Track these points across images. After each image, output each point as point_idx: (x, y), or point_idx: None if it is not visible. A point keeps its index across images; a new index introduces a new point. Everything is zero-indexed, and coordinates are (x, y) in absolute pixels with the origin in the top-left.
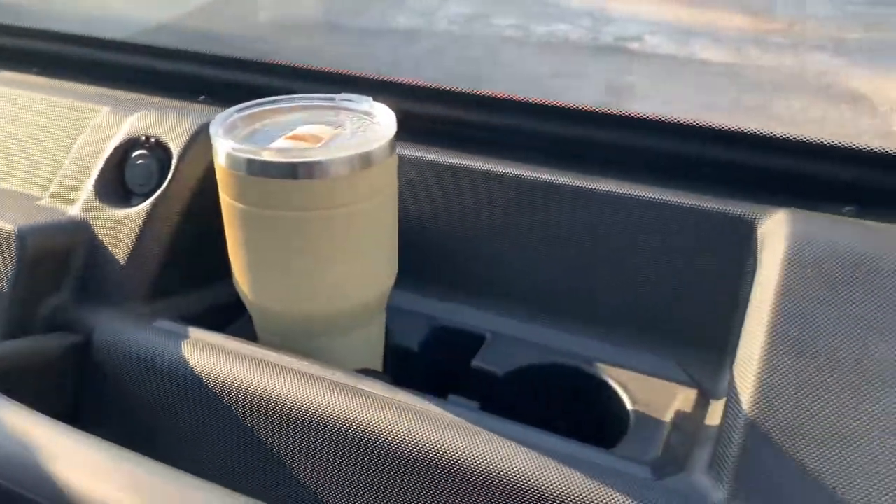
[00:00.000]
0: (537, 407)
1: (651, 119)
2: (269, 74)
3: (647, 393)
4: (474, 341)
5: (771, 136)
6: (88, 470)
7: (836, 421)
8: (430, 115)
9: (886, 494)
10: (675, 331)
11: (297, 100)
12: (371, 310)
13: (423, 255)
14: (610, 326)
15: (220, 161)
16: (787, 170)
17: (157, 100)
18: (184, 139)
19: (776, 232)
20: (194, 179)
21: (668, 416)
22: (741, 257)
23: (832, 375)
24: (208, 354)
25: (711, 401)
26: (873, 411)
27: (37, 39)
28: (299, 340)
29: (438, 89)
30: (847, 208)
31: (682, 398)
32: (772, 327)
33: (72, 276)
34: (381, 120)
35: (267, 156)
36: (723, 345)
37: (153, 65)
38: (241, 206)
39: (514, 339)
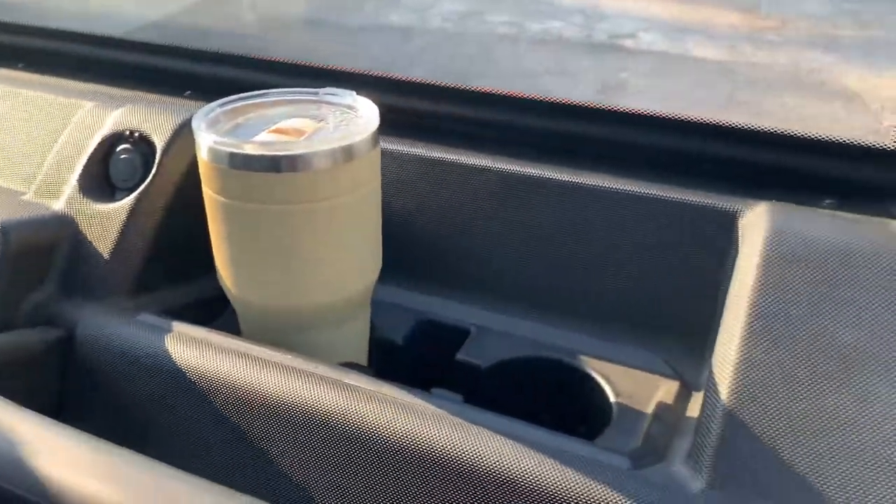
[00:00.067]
0: (522, 400)
1: (635, 113)
2: (255, 70)
3: (630, 385)
4: (459, 335)
5: (754, 130)
6: (72, 464)
7: (812, 411)
8: (415, 109)
9: (862, 482)
10: (658, 324)
11: (281, 94)
12: (355, 303)
13: (408, 249)
14: (594, 320)
15: (202, 155)
16: (769, 163)
17: (141, 95)
18: (168, 134)
19: (756, 224)
20: (178, 174)
21: (649, 408)
22: (724, 250)
23: (809, 366)
24: (192, 348)
25: (693, 393)
26: (849, 401)
27: (23, 35)
28: (283, 334)
29: (424, 84)
30: (827, 201)
31: (665, 390)
32: (749, 319)
33: (56, 271)
34: (364, 114)
35: (249, 149)
36: (705, 337)
37: (139, 60)
38: (223, 199)
39: (498, 332)
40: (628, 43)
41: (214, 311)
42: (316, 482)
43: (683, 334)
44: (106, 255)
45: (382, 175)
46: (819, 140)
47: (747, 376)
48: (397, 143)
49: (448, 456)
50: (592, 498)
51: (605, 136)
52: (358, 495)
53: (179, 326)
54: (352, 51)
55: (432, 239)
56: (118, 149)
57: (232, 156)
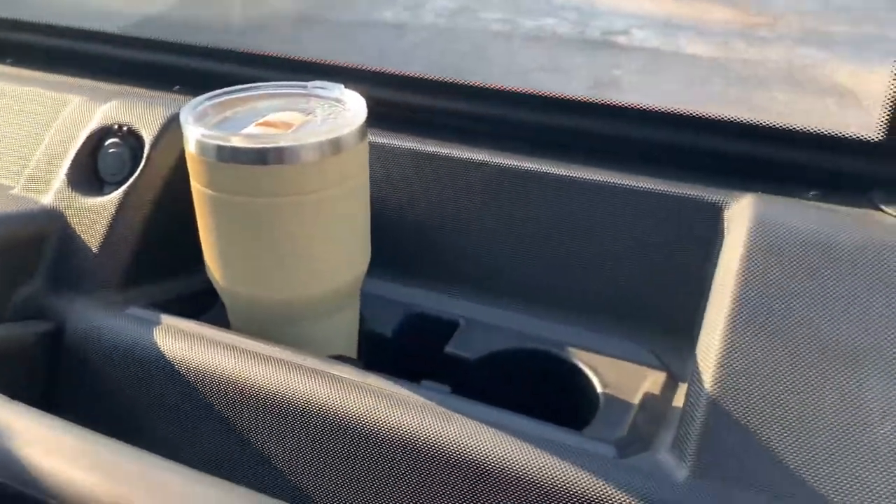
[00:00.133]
0: (510, 391)
1: (623, 107)
2: (244, 64)
3: (618, 376)
4: (448, 328)
5: (740, 123)
6: (61, 454)
7: (795, 400)
8: (406, 103)
9: (844, 469)
10: (646, 316)
11: (269, 87)
12: (344, 295)
13: (398, 242)
14: (582, 312)
15: (190, 148)
16: (756, 155)
17: (129, 89)
18: (156, 128)
19: (740, 215)
20: (166, 168)
21: (636, 399)
22: (710, 242)
23: (791, 356)
24: (181, 341)
25: (680, 383)
26: (831, 391)
27: (11, 30)
28: (272, 327)
29: (413, 77)
30: (812, 193)
31: (651, 381)
32: (732, 309)
33: (44, 265)
34: (352, 107)
35: (237, 142)
36: (692, 328)
37: (128, 55)
38: (211, 193)
39: (487, 325)
40: (621, 39)
41: (203, 305)
42: (304, 472)
43: (671, 325)
44: (95, 249)
45: (373, 169)
46: (804, 132)
47: (730, 366)
48: (388, 137)
49: (435, 446)
50: (578, 486)
51: (594, 130)
52: (345, 485)
53: (168, 320)
54: (344, 47)
55: (422, 232)
56: (107, 143)
57: (219, 148)
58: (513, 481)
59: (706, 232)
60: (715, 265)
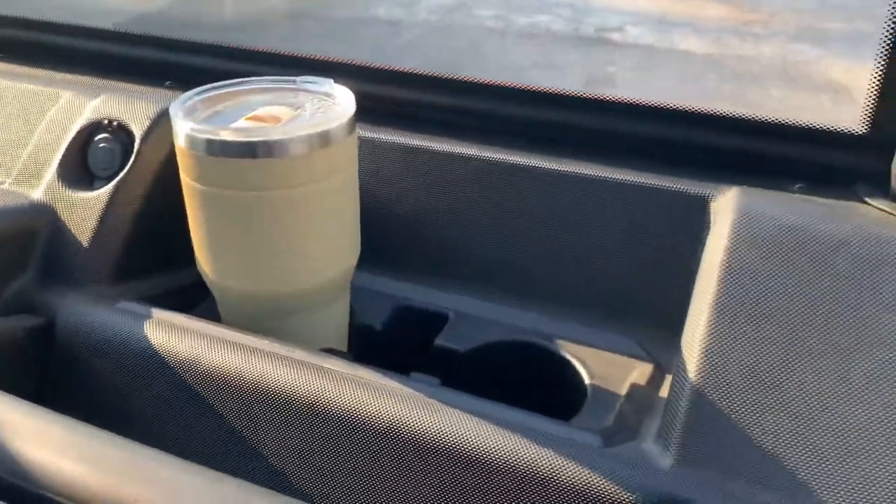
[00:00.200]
0: (499, 383)
1: (612, 101)
2: (235, 59)
3: (605, 368)
4: (438, 320)
5: (728, 117)
6: (53, 446)
7: (777, 390)
8: (395, 98)
9: (825, 458)
10: (634, 308)
11: (258, 82)
12: (333, 288)
13: (388, 236)
14: (571, 305)
15: (180, 142)
16: (742, 149)
17: (120, 84)
18: (146, 123)
19: (725, 208)
20: (157, 163)
21: (623, 390)
22: (697, 235)
23: (774, 346)
24: (172, 335)
25: (666, 374)
26: (813, 380)
27: (1, 26)
28: (262, 320)
29: (403, 73)
30: (797, 185)
31: (638, 373)
32: (716, 301)
33: (35, 259)
34: (341, 101)
35: (226, 136)
36: (680, 320)
37: (119, 50)
38: (201, 186)
39: (477, 318)
40: (615, 36)
41: (194, 299)
42: (294, 463)
43: (659, 317)
44: (85, 244)
45: (363, 163)
46: (789, 125)
47: (713, 356)
48: (378, 132)
49: (424, 437)
50: (564, 475)
51: (583, 124)
52: (335, 475)
53: (159, 313)
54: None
55: (412, 226)
56: (97, 138)
57: (209, 142)
58: (500, 471)
59: (693, 224)
60: (701, 257)
